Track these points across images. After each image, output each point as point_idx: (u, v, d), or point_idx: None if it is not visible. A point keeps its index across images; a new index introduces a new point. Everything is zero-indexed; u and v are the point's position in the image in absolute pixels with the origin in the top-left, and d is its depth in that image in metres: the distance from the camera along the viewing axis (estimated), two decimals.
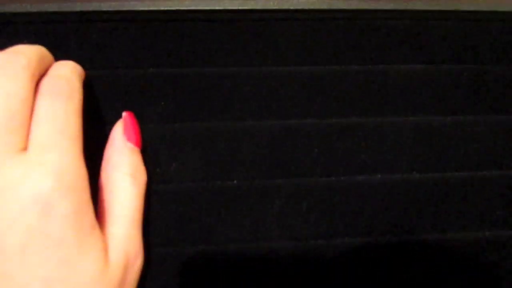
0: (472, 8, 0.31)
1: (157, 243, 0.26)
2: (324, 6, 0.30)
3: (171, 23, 0.29)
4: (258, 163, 0.28)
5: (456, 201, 0.28)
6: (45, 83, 0.23)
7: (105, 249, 0.22)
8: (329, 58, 0.30)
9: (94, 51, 0.28)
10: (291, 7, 0.30)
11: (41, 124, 0.21)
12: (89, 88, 0.27)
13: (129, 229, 0.23)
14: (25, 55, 0.22)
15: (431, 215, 0.28)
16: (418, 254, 0.27)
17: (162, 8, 0.29)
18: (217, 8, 0.30)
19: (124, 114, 0.26)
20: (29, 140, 0.21)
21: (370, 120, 0.29)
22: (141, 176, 0.25)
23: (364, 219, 0.28)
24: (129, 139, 0.25)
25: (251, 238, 0.27)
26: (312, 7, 0.31)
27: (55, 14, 0.29)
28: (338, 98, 0.29)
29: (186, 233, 0.26)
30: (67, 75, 0.23)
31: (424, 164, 0.29)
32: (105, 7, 0.29)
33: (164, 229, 0.26)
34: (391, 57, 0.30)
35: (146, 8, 0.29)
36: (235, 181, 0.27)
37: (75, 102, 0.22)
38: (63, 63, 0.25)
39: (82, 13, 0.28)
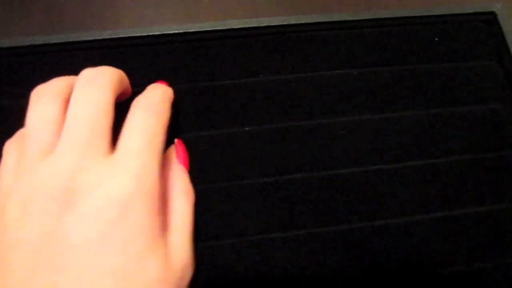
0: (386, 16, 0.35)
1: None
2: (254, 24, 0.34)
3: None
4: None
5: (389, 189, 0.31)
6: (142, 98, 0.26)
7: (167, 254, 0.23)
8: (261, 70, 0.33)
9: None
10: (225, 27, 0.33)
11: (133, 133, 0.24)
12: None
13: (185, 240, 0.25)
14: (110, 73, 0.25)
15: (366, 203, 0.30)
16: (356, 243, 0.30)
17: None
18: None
19: (176, 140, 0.29)
20: (119, 146, 0.23)
21: (305, 123, 0.32)
22: (193, 195, 0.27)
23: (306, 214, 0.30)
24: (181, 162, 0.28)
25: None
26: (244, 25, 0.34)
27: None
28: (271, 105, 0.32)
29: None
30: (158, 96, 0.27)
31: (355, 159, 0.31)
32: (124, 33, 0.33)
33: None
34: (316, 65, 0.33)
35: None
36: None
37: (164, 119, 0.26)
38: (157, 86, 0.29)
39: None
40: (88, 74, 0.25)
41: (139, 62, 0.33)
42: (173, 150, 0.28)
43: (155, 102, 0.26)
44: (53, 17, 0.37)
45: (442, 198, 0.31)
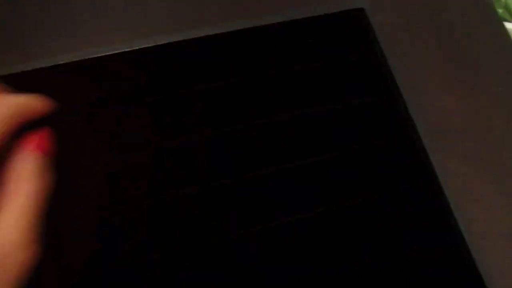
0: (256, 24, 0.35)
1: None
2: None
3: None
4: None
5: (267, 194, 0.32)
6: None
7: None
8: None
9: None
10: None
11: None
12: None
13: (15, 220, 0.24)
14: None
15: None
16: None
17: None
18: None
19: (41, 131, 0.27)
20: None
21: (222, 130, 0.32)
22: (37, 180, 0.26)
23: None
24: (34, 149, 0.26)
25: None
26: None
27: None
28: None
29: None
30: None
31: (232, 168, 0.32)
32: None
33: None
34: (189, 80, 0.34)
35: None
36: None
37: None
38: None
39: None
40: None
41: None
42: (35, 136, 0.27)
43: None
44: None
45: (321, 194, 0.32)
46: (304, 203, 0.31)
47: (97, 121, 0.32)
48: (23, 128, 0.26)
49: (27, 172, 0.26)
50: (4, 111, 0.25)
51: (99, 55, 0.33)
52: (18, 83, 0.31)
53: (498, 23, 0.39)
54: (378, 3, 0.39)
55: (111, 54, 0.33)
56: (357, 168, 0.33)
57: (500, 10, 0.48)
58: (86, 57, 0.33)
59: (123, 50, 0.34)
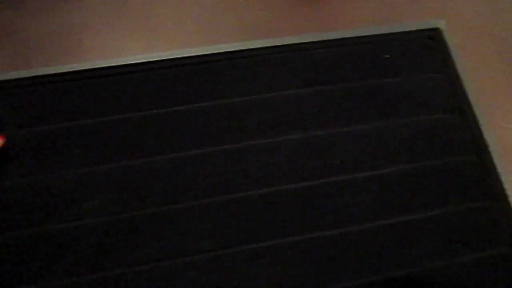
0: (335, 37, 0.37)
1: (79, 271, 0.30)
2: (208, 51, 0.36)
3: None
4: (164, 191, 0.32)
5: (336, 201, 0.33)
6: None
7: None
8: (217, 95, 0.36)
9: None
10: (180, 55, 0.36)
11: None
12: None
13: None
14: None
15: (317, 215, 0.32)
16: (307, 253, 0.32)
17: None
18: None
19: None
20: None
21: (256, 143, 0.34)
22: None
23: (261, 227, 0.32)
24: None
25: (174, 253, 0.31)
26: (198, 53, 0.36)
27: None
28: (227, 127, 0.34)
29: (107, 258, 0.30)
30: None
31: (307, 174, 0.34)
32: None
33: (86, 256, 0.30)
34: (269, 87, 0.36)
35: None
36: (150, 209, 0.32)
37: None
38: None
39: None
40: None
41: (101, 91, 0.35)
42: None
43: None
44: (19, 52, 0.39)
45: (389, 206, 0.33)
46: (381, 212, 0.32)
47: None
48: None
49: None
50: None
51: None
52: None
53: None
54: (454, 24, 0.40)
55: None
56: (426, 182, 0.34)
57: None
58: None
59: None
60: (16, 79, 0.35)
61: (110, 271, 0.30)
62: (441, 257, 0.31)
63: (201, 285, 0.30)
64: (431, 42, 0.39)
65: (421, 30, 0.40)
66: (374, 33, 0.38)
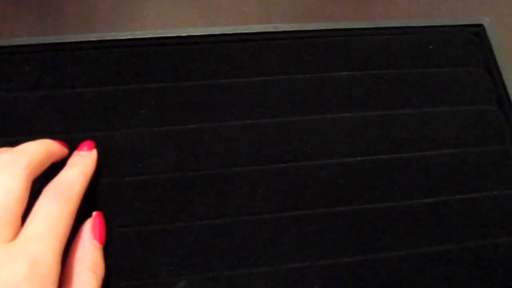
0: (387, 25, 0.39)
1: (139, 223, 0.32)
2: (271, 29, 0.38)
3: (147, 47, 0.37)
4: (222, 155, 0.34)
5: (383, 177, 0.35)
6: (51, 185, 0.27)
7: None
8: (278, 70, 0.37)
9: (88, 71, 0.36)
10: (246, 31, 0.38)
11: (35, 221, 0.24)
12: None
13: None
14: (29, 155, 0.26)
15: (366, 188, 0.35)
16: (355, 222, 0.34)
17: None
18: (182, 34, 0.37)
19: (94, 213, 0.29)
20: (21, 232, 0.24)
21: (313, 118, 0.36)
22: (101, 271, 0.27)
23: (312, 196, 0.34)
24: (95, 237, 0.28)
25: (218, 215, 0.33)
26: (263, 30, 0.38)
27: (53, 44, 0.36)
28: (287, 101, 0.36)
29: (163, 212, 0.32)
30: (71, 180, 0.28)
31: (358, 150, 0.36)
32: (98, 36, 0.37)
33: (145, 211, 0.32)
34: (326, 67, 0.38)
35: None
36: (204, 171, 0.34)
37: (71, 205, 0.26)
38: (74, 165, 0.29)
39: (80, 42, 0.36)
40: (3, 159, 0.25)
41: (163, 61, 0.37)
42: (89, 223, 0.29)
43: (63, 188, 0.27)
44: (54, 18, 0.41)
45: (431, 186, 0.35)
46: (425, 191, 0.35)
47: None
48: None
49: (89, 266, 0.27)
50: (35, 152, 0.27)
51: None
52: None
53: None
54: (498, 21, 0.42)
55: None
56: (466, 168, 0.36)
57: None
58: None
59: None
60: (86, 41, 0.37)
61: (168, 224, 0.32)
62: (477, 237, 0.34)
63: (250, 244, 0.32)
64: (474, 37, 0.41)
65: (466, 26, 0.42)
66: (424, 24, 0.40)
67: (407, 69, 0.38)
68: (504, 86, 0.39)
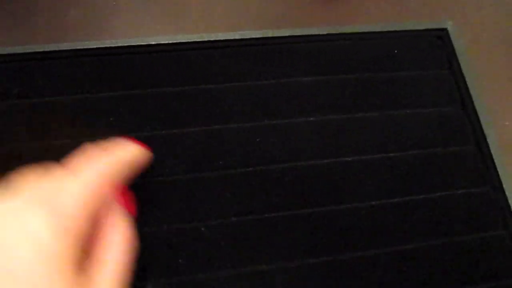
0: (352, 30, 0.40)
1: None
2: (238, 36, 0.39)
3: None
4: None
5: (350, 178, 0.36)
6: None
7: None
8: (246, 76, 0.38)
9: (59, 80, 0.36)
10: (213, 39, 0.38)
11: None
12: None
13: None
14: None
15: (333, 189, 0.35)
16: (322, 223, 0.35)
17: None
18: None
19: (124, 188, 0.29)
20: None
21: (280, 122, 0.37)
22: (127, 244, 0.27)
23: (278, 198, 0.35)
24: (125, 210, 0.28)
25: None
26: (230, 37, 0.39)
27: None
28: (255, 106, 0.37)
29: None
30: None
31: (325, 152, 0.36)
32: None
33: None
34: (292, 72, 0.38)
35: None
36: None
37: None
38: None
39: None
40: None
41: (132, 69, 0.38)
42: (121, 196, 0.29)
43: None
44: (24, 28, 0.41)
45: (397, 186, 0.36)
46: (389, 191, 0.36)
47: None
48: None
49: (118, 240, 0.26)
50: (109, 172, 0.26)
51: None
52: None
53: None
54: (461, 25, 0.43)
55: None
56: (430, 168, 0.37)
57: None
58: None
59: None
60: (56, 51, 0.37)
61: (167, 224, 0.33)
62: (442, 235, 0.35)
63: (216, 246, 0.33)
64: (438, 41, 0.43)
65: (430, 30, 0.43)
66: (388, 29, 0.42)
67: (373, 73, 0.40)
68: (467, 89, 0.40)
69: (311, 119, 0.38)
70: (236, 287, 0.31)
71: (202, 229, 0.33)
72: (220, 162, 0.35)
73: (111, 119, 0.36)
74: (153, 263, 0.31)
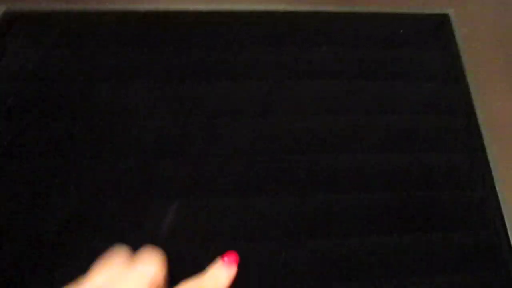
0: (365, 10, 0.46)
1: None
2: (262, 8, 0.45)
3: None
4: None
5: (351, 133, 0.42)
6: None
7: None
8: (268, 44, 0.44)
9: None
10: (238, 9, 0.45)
11: None
12: None
13: None
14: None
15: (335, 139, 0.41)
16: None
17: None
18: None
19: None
20: None
21: (295, 82, 0.43)
22: None
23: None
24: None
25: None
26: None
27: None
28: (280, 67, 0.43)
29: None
30: None
31: (333, 109, 0.42)
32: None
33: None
34: (310, 44, 0.44)
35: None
36: None
37: None
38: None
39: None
40: None
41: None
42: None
43: None
44: None
45: (393, 142, 0.42)
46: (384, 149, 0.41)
47: None
48: None
49: None
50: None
51: None
52: None
53: None
54: (462, 12, 0.48)
55: None
56: (418, 132, 0.42)
57: None
58: None
59: None
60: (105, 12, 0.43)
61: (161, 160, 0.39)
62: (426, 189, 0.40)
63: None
64: (440, 25, 0.48)
65: (433, 14, 0.48)
66: (396, 11, 0.47)
67: (379, 48, 0.45)
68: (461, 68, 0.46)
69: (323, 81, 0.43)
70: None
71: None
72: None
73: (149, 78, 0.42)
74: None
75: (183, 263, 0.33)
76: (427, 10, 0.48)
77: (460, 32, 0.48)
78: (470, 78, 0.45)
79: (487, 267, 0.38)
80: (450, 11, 0.48)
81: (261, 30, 0.45)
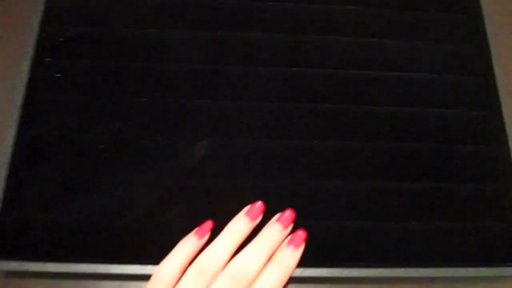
0: None
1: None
2: None
3: None
4: None
5: (367, 88, 0.44)
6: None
7: None
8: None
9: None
10: None
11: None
12: None
13: None
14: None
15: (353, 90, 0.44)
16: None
17: None
18: None
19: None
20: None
21: (316, 37, 0.45)
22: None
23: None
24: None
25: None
26: None
27: None
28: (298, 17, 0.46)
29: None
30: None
31: (357, 65, 0.45)
32: None
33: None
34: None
35: None
36: None
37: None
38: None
39: None
40: None
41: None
42: None
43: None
44: None
45: (407, 97, 0.44)
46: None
47: None
48: None
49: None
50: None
51: None
52: None
53: None
54: None
55: None
56: (436, 90, 0.45)
57: None
58: None
59: None
60: None
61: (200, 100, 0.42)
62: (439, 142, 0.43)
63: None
64: (466, 11, 0.49)
65: None
66: None
67: (405, 9, 0.47)
68: (484, 32, 0.47)
69: (344, 38, 0.46)
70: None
71: None
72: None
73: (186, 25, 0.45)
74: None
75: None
76: None
77: (491, 11, 0.48)
78: (490, 38, 0.47)
79: (494, 217, 0.41)
80: None
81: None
